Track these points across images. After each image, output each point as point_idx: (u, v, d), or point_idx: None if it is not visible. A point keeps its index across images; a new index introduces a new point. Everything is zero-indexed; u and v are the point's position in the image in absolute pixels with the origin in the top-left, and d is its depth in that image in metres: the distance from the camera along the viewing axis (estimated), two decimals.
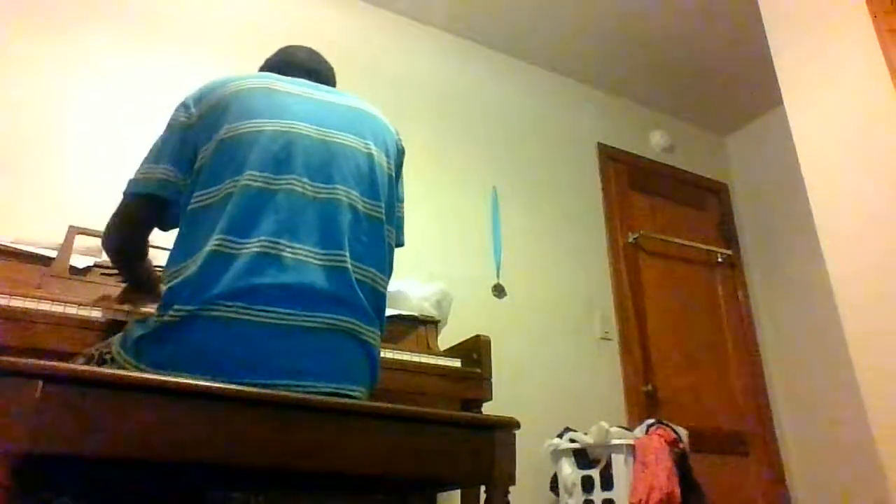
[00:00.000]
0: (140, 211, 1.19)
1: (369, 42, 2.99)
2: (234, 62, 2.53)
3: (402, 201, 1.35)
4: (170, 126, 1.21)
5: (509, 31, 3.26)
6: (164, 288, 1.06)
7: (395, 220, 1.29)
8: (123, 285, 1.63)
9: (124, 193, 1.19)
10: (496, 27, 3.23)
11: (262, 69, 1.44)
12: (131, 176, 1.19)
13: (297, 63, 1.39)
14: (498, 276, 2.82)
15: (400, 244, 1.35)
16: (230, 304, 0.99)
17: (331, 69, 1.45)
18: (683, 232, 3.52)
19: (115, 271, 1.65)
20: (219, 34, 2.62)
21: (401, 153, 1.35)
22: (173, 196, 1.15)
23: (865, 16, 2.01)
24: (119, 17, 2.45)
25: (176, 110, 1.22)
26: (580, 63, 3.46)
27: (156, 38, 2.49)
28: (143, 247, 1.28)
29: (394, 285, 2.00)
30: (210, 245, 1.03)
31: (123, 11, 2.47)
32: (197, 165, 1.14)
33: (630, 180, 3.50)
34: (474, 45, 3.31)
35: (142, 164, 1.18)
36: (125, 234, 1.23)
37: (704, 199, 3.76)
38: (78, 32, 2.34)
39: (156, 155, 1.18)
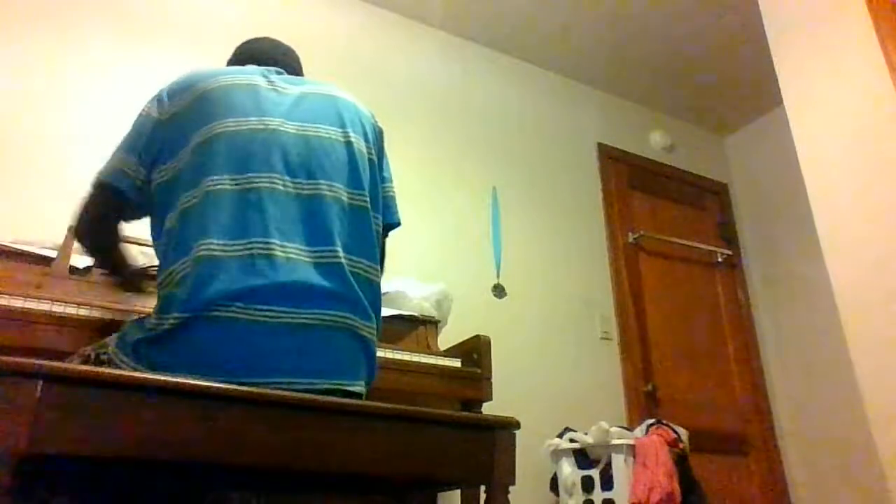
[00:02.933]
0: (98, 199, 1.19)
1: (369, 42, 2.99)
2: None
3: (390, 181, 1.34)
4: (140, 119, 1.20)
5: (509, 31, 3.26)
6: (159, 292, 1.06)
7: (380, 204, 1.27)
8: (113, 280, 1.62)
9: (91, 183, 1.19)
10: (496, 27, 3.23)
11: (229, 65, 1.43)
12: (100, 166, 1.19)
13: (263, 56, 1.37)
14: (498, 276, 2.82)
15: (397, 223, 1.34)
16: (228, 305, 0.99)
17: (295, 57, 1.43)
18: (683, 232, 3.52)
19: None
20: (219, 34, 2.62)
21: (379, 135, 1.34)
22: (129, 189, 1.15)
23: (865, 16, 2.01)
24: (120, 16, 2.45)
25: (149, 102, 1.21)
26: (580, 63, 3.46)
27: (156, 37, 2.49)
28: (107, 235, 1.26)
29: (394, 285, 2.01)
30: (200, 249, 1.02)
31: (124, 11, 2.47)
32: (168, 164, 1.13)
33: (630, 180, 3.50)
34: (474, 45, 3.31)
35: (111, 154, 1.19)
36: (86, 221, 1.22)
37: (704, 199, 3.76)
38: (78, 32, 2.34)
39: (122, 146, 1.18)
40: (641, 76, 3.56)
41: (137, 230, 1.89)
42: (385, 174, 1.33)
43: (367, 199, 1.20)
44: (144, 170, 1.15)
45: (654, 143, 3.69)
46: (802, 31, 2.22)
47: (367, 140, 1.27)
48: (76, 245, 1.65)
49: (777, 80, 2.27)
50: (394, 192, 1.34)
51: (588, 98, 3.59)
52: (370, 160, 1.26)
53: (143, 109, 1.21)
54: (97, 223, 1.23)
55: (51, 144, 2.14)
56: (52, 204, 2.04)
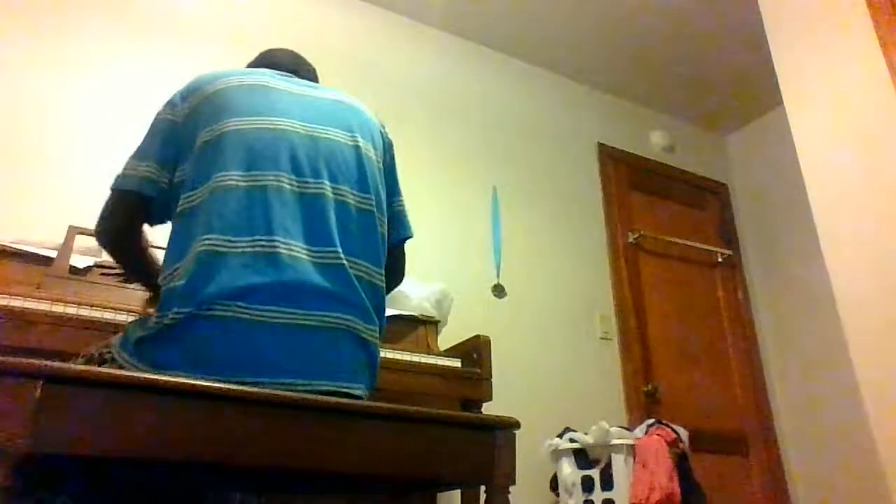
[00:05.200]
0: (124, 207, 1.18)
1: (369, 42, 3.00)
2: (234, 62, 2.53)
3: (400, 195, 1.35)
4: (156, 123, 1.20)
5: (509, 31, 3.26)
6: (161, 289, 1.06)
7: (386, 211, 1.27)
8: (128, 286, 1.63)
9: (111, 188, 1.18)
10: (496, 27, 3.23)
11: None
12: (118, 171, 1.19)
13: (279, 63, 1.38)
14: (498, 276, 2.82)
15: (408, 235, 1.35)
16: (228, 303, 0.99)
17: (313, 69, 1.44)
18: (683, 232, 3.52)
19: (116, 271, 1.65)
20: (219, 34, 2.62)
21: (389, 145, 1.34)
22: (156, 194, 1.15)
23: (865, 16, 2.01)
24: (119, 16, 2.45)
25: (163, 106, 1.22)
26: (580, 63, 3.46)
27: (155, 38, 2.49)
28: (133, 241, 1.25)
29: None
30: (202, 245, 1.02)
31: (123, 11, 2.47)
32: (184, 166, 1.13)
33: (630, 180, 3.50)
34: (474, 45, 3.31)
35: (129, 160, 1.18)
36: (112, 228, 1.21)
37: (704, 199, 3.76)
38: (77, 32, 2.34)
39: (143, 152, 1.18)
40: (641, 76, 3.56)
41: None
42: (396, 188, 1.34)
43: (373, 201, 1.20)
44: (168, 173, 1.15)
45: (654, 143, 3.69)
46: (802, 31, 2.22)
47: (375, 146, 1.28)
48: (76, 245, 1.66)
49: (777, 80, 2.27)
50: (404, 207, 1.35)
51: (588, 98, 3.59)
52: (378, 166, 1.26)
53: (159, 114, 1.22)
54: (122, 232, 1.21)
55: (51, 144, 2.14)
56: (52, 204, 2.04)
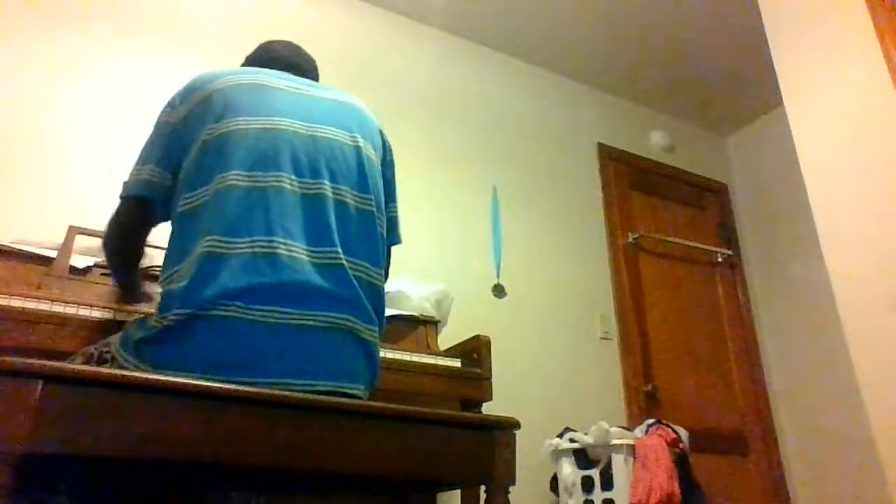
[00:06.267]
0: (130, 213, 1.20)
1: (369, 42, 2.99)
2: (234, 63, 2.53)
3: (396, 202, 1.35)
4: (156, 126, 1.22)
5: (509, 31, 3.25)
6: (160, 291, 1.06)
7: (386, 214, 1.28)
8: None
9: (119, 196, 1.20)
10: (496, 27, 3.23)
11: (244, 65, 1.44)
12: (125, 178, 1.20)
13: (279, 58, 1.38)
14: (498, 276, 2.82)
15: (397, 242, 1.34)
16: (227, 303, 0.99)
17: (313, 62, 1.44)
18: (683, 232, 3.52)
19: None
20: (218, 34, 2.62)
21: (388, 148, 1.34)
22: (159, 197, 1.17)
23: (865, 16, 2.01)
24: (119, 16, 2.45)
25: (164, 108, 1.23)
26: (580, 63, 3.46)
27: (155, 38, 2.49)
28: (138, 249, 1.27)
29: (394, 285, 2.01)
30: (203, 247, 1.02)
31: (123, 11, 2.47)
32: (184, 167, 1.14)
33: (630, 180, 3.50)
34: (474, 45, 3.31)
35: (133, 167, 1.20)
36: (120, 235, 1.23)
37: (704, 199, 3.76)
38: (77, 32, 2.34)
39: (144, 156, 1.19)
40: (641, 76, 3.56)
41: None
42: (394, 194, 1.34)
43: (373, 202, 1.20)
44: (169, 174, 1.16)
45: (654, 143, 3.69)
46: (802, 31, 2.22)
47: (375, 147, 1.28)
48: (76, 245, 1.66)
49: (777, 80, 2.27)
50: (398, 213, 1.35)
51: (588, 98, 3.59)
52: (379, 167, 1.26)
53: (160, 116, 1.23)
54: (130, 236, 1.24)
55: (51, 144, 2.14)
56: (52, 204, 2.04)
